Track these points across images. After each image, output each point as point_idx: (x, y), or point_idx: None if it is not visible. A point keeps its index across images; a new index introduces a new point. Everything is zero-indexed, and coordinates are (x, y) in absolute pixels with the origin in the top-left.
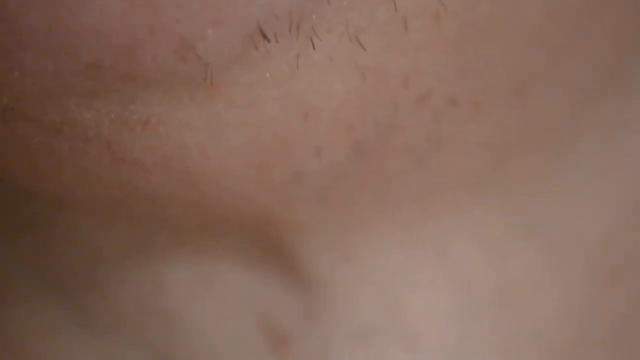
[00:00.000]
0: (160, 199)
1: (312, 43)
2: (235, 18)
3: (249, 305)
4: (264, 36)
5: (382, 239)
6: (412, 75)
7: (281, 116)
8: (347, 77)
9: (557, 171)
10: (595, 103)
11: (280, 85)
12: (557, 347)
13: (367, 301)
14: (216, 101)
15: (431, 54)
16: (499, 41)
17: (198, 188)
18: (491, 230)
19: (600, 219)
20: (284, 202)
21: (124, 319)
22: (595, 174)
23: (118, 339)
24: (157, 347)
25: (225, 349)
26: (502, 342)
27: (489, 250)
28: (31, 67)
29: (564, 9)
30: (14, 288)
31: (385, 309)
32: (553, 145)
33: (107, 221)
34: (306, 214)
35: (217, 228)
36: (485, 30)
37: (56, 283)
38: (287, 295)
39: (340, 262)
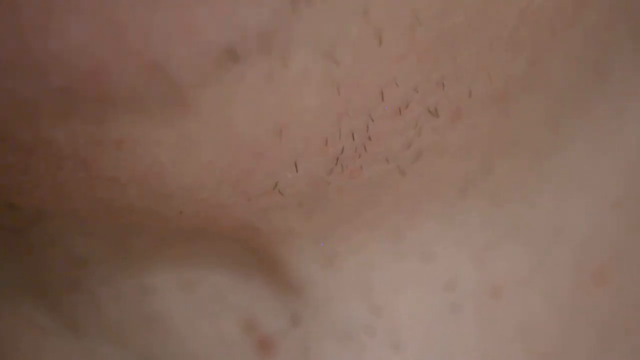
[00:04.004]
0: (137, 212)
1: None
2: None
3: (233, 309)
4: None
5: (366, 243)
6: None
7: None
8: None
9: (541, 175)
10: (579, 108)
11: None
12: (542, 347)
13: (351, 303)
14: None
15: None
16: (475, 49)
17: (174, 201)
18: (476, 232)
19: (584, 220)
20: (264, 212)
21: (108, 324)
22: (580, 176)
23: (102, 344)
24: (142, 353)
25: (210, 354)
26: (487, 342)
27: (474, 251)
28: (2, 88)
29: (540, 14)
30: None
31: (369, 311)
32: (537, 150)
33: (88, 231)
34: (288, 223)
35: (197, 236)
36: (461, 39)
37: (40, 286)
38: (271, 299)
39: (324, 265)
